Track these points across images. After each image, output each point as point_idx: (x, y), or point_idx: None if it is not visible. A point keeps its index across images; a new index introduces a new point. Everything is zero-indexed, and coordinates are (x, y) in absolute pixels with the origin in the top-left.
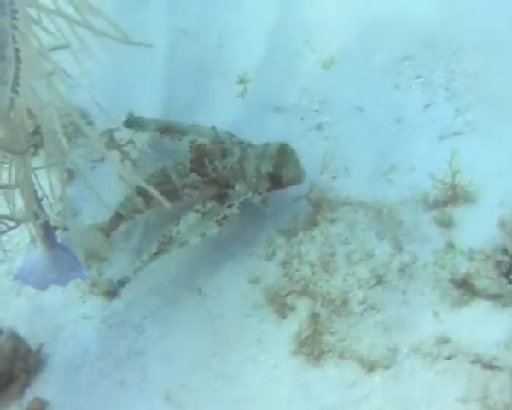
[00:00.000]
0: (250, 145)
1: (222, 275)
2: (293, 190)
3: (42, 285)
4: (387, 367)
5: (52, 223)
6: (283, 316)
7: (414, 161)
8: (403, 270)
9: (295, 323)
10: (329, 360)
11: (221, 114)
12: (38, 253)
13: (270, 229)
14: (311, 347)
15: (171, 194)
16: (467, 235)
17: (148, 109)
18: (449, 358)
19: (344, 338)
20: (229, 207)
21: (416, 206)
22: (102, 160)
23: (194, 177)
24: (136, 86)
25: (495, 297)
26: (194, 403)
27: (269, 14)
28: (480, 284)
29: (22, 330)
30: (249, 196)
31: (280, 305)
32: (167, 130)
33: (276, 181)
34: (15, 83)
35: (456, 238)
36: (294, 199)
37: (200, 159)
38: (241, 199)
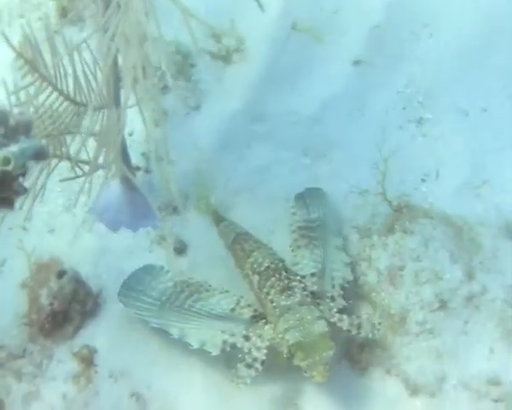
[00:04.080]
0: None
1: None
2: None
3: (114, 226)
4: (432, 395)
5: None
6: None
7: (508, 183)
8: (470, 299)
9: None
10: (376, 373)
11: (328, 80)
12: (116, 192)
13: (347, 221)
14: (360, 355)
15: None
16: None
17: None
18: (496, 400)
19: (394, 356)
20: None
21: (499, 232)
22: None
23: None
24: None
25: None
26: None
27: None
28: None
29: (86, 268)
30: None
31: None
32: None
33: None
34: None
35: None
36: (376, 192)
37: None
38: None
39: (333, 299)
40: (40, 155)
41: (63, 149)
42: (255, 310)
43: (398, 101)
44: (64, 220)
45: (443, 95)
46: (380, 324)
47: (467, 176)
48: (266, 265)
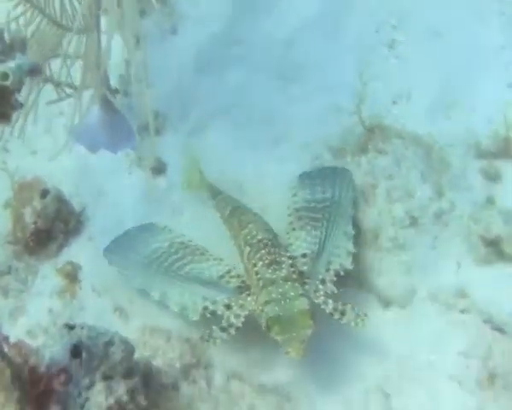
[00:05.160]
0: None
1: (267, 177)
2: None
3: (93, 147)
4: (402, 307)
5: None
6: None
7: (477, 103)
8: (439, 216)
9: None
10: (349, 288)
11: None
12: (96, 115)
13: (320, 141)
14: None
15: None
16: (509, 194)
17: None
18: (462, 311)
19: (367, 270)
20: None
21: (468, 151)
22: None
23: None
24: None
25: None
26: None
27: None
28: (508, 249)
29: (68, 188)
30: None
31: None
32: None
33: None
34: None
35: (498, 195)
36: (351, 113)
37: None
38: None
39: (323, 282)
40: (35, 70)
41: (48, 73)
42: (243, 281)
43: (371, 24)
44: (45, 143)
45: (415, 17)
46: (365, 315)
47: (438, 97)
48: (259, 238)
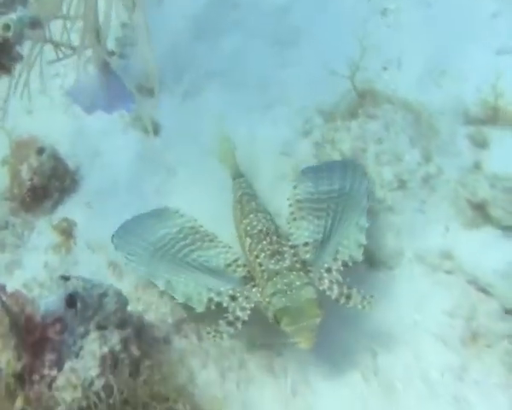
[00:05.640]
0: None
1: (259, 139)
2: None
3: (89, 108)
4: (390, 268)
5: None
6: None
7: (466, 71)
8: (426, 180)
9: None
10: None
11: None
12: (92, 76)
13: (312, 106)
14: None
15: None
16: (496, 160)
17: None
18: (448, 272)
19: None
20: None
21: (456, 118)
22: None
23: None
24: None
25: (505, 229)
26: None
27: None
28: (494, 212)
29: (64, 148)
30: None
31: None
32: None
33: None
34: None
35: (484, 160)
36: (343, 78)
37: None
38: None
39: (329, 271)
40: (36, 23)
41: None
42: (249, 271)
43: None
44: (41, 103)
45: None
46: (372, 297)
47: (428, 65)
48: (259, 228)
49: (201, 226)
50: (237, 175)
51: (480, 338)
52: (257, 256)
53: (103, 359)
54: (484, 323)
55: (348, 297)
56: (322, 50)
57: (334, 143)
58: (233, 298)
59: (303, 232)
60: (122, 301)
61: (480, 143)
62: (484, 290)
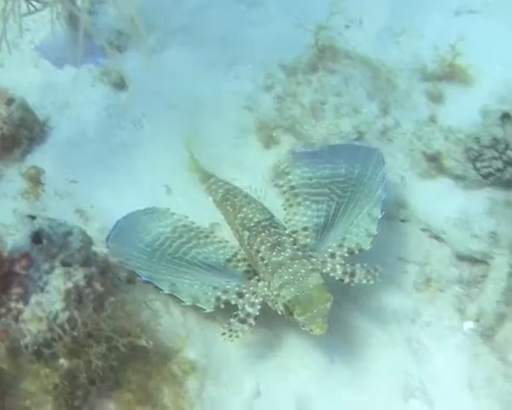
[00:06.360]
0: None
1: (223, 94)
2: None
3: (58, 62)
4: None
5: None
6: (267, 146)
7: (425, 30)
8: (384, 132)
9: (276, 156)
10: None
11: None
12: (62, 31)
13: (275, 61)
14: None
15: None
16: (450, 114)
17: None
18: (403, 220)
19: None
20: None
21: (413, 74)
22: None
23: None
24: None
25: (458, 179)
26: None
27: None
28: (447, 163)
29: (32, 100)
30: None
31: (266, 136)
32: None
33: None
34: None
35: (439, 114)
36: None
37: None
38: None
39: (332, 256)
40: None
41: None
42: (249, 265)
43: None
44: (12, 56)
45: None
46: (376, 269)
47: (388, 23)
48: (256, 220)
49: (193, 223)
50: (206, 177)
51: (432, 283)
52: (258, 250)
53: (68, 293)
54: (437, 268)
55: (352, 275)
56: (288, 9)
57: (296, 96)
58: (240, 295)
59: (301, 218)
60: (86, 240)
61: (436, 98)
62: (437, 237)
